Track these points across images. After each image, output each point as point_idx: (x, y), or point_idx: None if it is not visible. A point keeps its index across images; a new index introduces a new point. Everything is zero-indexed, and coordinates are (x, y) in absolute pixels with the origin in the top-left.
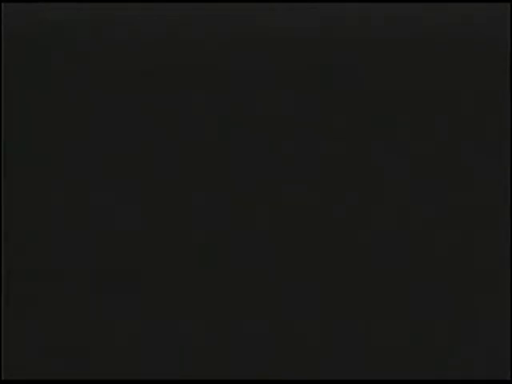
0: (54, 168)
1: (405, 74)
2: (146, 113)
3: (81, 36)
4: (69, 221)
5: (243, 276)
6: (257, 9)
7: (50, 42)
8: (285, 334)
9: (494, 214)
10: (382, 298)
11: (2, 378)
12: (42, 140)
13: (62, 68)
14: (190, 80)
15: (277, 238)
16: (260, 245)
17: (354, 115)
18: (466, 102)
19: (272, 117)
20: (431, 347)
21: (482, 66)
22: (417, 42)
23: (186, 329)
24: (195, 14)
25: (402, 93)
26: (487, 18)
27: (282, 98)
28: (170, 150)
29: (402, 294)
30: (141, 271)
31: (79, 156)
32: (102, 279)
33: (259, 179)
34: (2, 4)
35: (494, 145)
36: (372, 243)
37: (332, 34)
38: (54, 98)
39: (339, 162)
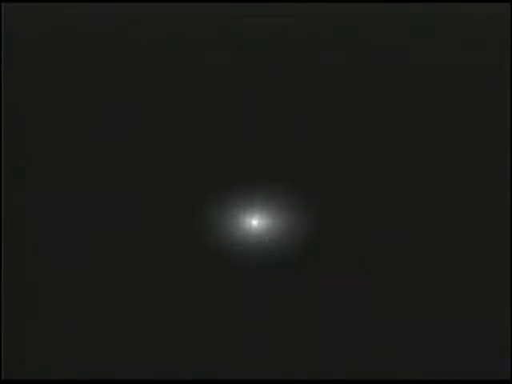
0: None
1: (404, 73)
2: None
3: (81, 36)
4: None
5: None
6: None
7: (50, 42)
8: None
9: (493, 214)
10: (381, 297)
11: (2, 378)
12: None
13: (62, 67)
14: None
15: (276, 238)
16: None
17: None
18: (466, 101)
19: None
20: (431, 347)
21: (482, 66)
22: (416, 42)
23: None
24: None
25: (402, 93)
26: (487, 17)
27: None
28: (170, 149)
29: (401, 294)
30: (138, 271)
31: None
32: (100, 279)
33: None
34: (2, 4)
35: (494, 144)
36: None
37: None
38: (53, 98)
39: (337, 159)
